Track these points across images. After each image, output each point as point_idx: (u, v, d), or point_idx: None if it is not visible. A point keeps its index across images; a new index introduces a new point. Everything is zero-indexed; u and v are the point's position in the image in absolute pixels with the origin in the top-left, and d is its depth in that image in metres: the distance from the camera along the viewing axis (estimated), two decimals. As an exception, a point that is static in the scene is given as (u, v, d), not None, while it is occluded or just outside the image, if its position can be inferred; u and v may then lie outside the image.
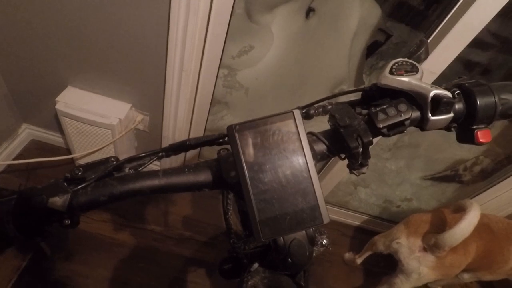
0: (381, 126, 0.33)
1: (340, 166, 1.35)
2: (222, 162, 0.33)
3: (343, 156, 0.36)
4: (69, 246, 1.23)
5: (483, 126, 0.35)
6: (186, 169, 0.33)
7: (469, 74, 1.67)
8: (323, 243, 0.68)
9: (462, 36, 0.85)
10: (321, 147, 0.35)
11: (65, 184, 0.32)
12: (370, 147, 0.34)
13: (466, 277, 1.35)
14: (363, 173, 0.37)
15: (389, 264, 1.29)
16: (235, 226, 0.87)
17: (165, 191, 0.32)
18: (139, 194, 0.32)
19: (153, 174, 0.33)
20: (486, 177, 1.52)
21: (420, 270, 1.11)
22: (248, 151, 0.29)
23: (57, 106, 1.09)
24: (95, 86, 1.14)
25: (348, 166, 0.37)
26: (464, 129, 0.36)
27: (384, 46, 1.72)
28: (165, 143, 1.34)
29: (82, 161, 1.31)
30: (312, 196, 0.29)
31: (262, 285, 0.39)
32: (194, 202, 1.54)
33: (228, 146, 0.36)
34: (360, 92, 0.42)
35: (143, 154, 0.37)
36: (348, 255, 1.52)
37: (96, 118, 1.10)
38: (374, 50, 1.70)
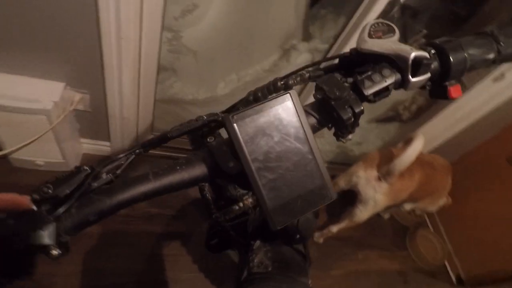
0: (368, 93, 0.33)
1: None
2: (216, 153, 0.31)
3: (330, 126, 0.36)
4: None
5: (454, 82, 0.37)
6: (177, 167, 0.30)
7: (402, 17, 1.75)
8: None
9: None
10: (311, 121, 0.34)
11: (37, 209, 0.27)
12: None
13: (407, 207, 1.57)
14: (350, 140, 0.37)
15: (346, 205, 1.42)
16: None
17: (160, 193, 0.30)
18: (132, 203, 0.29)
19: (143, 178, 0.29)
20: (421, 114, 1.69)
21: (376, 197, 1.26)
22: (251, 141, 0.27)
23: (-31, 96, 0.91)
24: (17, 66, 0.96)
25: (335, 134, 0.37)
26: (437, 86, 0.38)
27: (325, -7, 1.69)
28: (113, 122, 1.23)
29: (17, 156, 1.15)
30: (319, 176, 0.29)
31: (268, 259, 0.40)
32: (155, 177, 1.48)
33: (218, 133, 0.34)
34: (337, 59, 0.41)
35: (120, 156, 0.33)
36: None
37: (25, 104, 0.95)
38: (318, -1, 1.66)
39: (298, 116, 0.28)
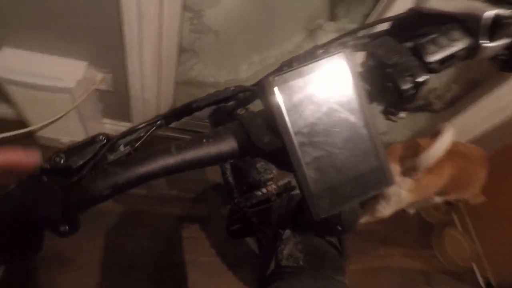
0: (431, 60, 0.28)
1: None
2: (248, 126, 0.26)
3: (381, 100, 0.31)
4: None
5: (536, 50, 0.30)
6: (204, 140, 0.26)
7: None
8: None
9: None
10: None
11: (46, 178, 0.24)
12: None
13: (438, 200, 1.47)
14: (403, 118, 0.32)
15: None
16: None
17: (183, 169, 0.26)
18: (151, 179, 0.25)
19: (164, 151, 0.25)
20: (455, 103, 1.58)
21: (400, 193, 1.18)
22: (294, 110, 0.22)
23: (-5, 72, 0.91)
24: (39, 44, 0.95)
25: (384, 111, 0.32)
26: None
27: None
28: (134, 103, 1.21)
29: (43, 134, 1.16)
30: (375, 156, 0.24)
31: (298, 252, 0.35)
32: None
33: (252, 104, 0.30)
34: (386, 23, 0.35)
35: (139, 126, 0.29)
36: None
37: (48, 82, 0.94)
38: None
39: (353, 81, 0.23)
